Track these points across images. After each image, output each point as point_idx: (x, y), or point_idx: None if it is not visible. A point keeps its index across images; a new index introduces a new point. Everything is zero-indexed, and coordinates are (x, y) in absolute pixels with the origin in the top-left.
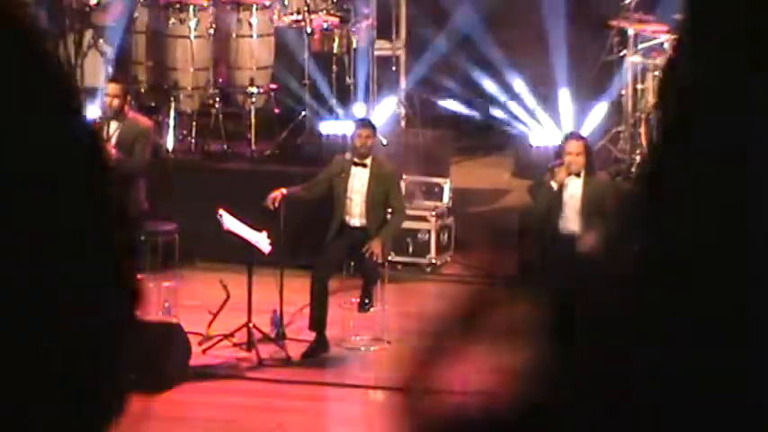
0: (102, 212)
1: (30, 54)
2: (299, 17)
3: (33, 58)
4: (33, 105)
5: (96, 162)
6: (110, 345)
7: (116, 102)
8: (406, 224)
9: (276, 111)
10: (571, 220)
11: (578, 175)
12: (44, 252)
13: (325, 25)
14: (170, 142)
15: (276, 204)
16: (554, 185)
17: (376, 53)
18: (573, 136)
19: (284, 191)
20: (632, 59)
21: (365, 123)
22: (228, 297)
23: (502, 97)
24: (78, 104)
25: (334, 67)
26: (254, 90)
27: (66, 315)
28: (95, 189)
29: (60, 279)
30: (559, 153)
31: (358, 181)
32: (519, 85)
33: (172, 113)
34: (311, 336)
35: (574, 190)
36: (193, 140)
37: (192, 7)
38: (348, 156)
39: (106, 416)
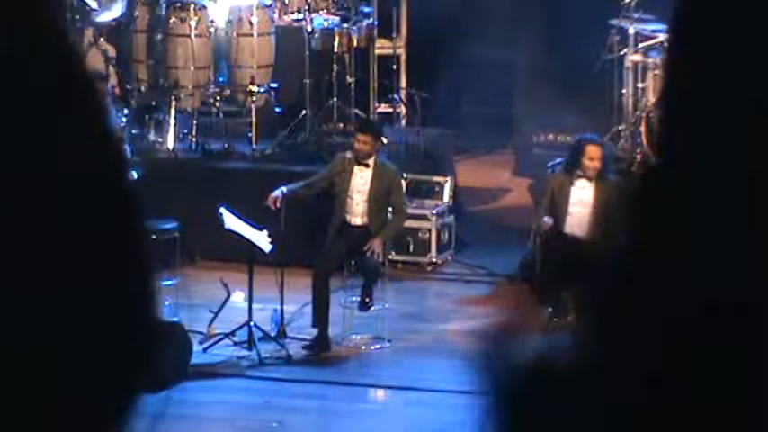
0: (118, 212)
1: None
2: (300, 16)
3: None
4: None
5: (113, 159)
6: (125, 344)
7: None
8: (407, 223)
9: (277, 110)
10: (577, 224)
11: (590, 179)
12: (55, 250)
13: (325, 24)
14: (171, 141)
15: (277, 203)
16: (545, 222)
17: (376, 52)
18: (593, 140)
19: (284, 189)
20: (632, 58)
21: (364, 128)
22: (229, 296)
23: (502, 95)
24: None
25: (335, 65)
26: (255, 89)
27: (83, 316)
28: (112, 189)
29: (75, 279)
30: (576, 153)
31: (360, 180)
32: (519, 82)
33: (172, 112)
34: (312, 334)
35: (584, 195)
36: (194, 139)
37: (192, 6)
38: (349, 155)
39: (119, 414)
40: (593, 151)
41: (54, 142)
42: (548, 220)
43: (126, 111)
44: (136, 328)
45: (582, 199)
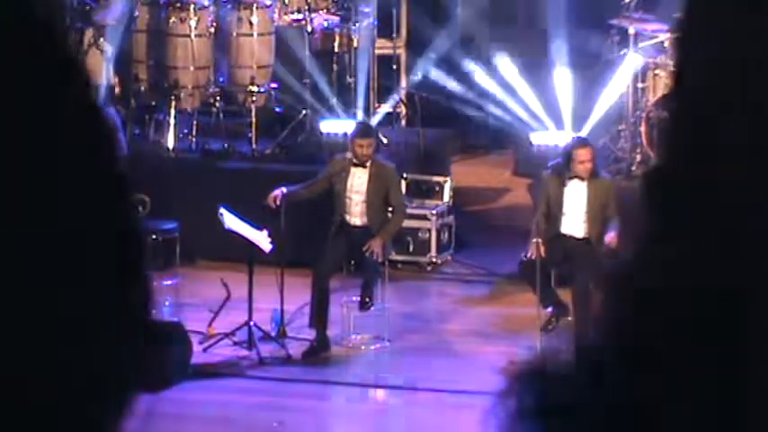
0: (113, 211)
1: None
2: (300, 16)
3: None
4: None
5: (108, 159)
6: (121, 345)
7: None
8: (407, 223)
9: (277, 109)
10: (573, 224)
11: (582, 179)
12: (52, 252)
13: (325, 24)
14: (171, 141)
15: (277, 203)
16: (534, 246)
17: (376, 52)
18: (581, 143)
19: (284, 189)
20: (632, 58)
21: (364, 132)
22: (229, 296)
23: (502, 95)
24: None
25: (335, 65)
26: (255, 89)
27: (78, 315)
28: (107, 189)
29: (71, 280)
30: (566, 157)
31: (358, 180)
32: (519, 82)
33: (172, 112)
34: (312, 334)
35: (578, 195)
36: (194, 139)
37: (192, 6)
38: (348, 155)
39: (115, 414)
40: (582, 154)
41: (44, 137)
42: (537, 242)
43: (126, 111)
44: (133, 326)
45: (576, 199)
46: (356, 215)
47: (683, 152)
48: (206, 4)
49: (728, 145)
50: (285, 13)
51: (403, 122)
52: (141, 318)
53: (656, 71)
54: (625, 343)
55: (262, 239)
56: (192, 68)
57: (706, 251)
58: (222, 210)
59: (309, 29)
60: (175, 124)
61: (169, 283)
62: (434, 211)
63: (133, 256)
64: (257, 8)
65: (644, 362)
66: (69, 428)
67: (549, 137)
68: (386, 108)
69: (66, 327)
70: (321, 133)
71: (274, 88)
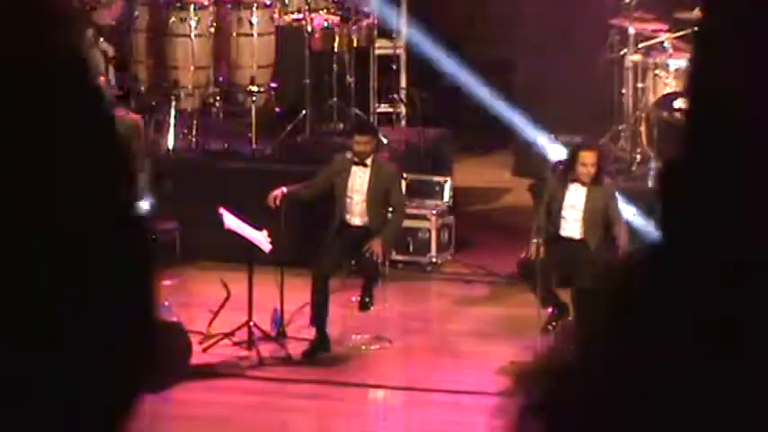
0: (117, 212)
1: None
2: (300, 16)
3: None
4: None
5: (114, 156)
6: (122, 345)
7: None
8: (407, 223)
9: (277, 109)
10: (572, 226)
11: (583, 183)
12: (57, 252)
13: (325, 24)
14: (171, 141)
15: (277, 203)
16: (534, 247)
17: (377, 52)
18: (587, 146)
19: (285, 189)
20: (633, 58)
21: (364, 129)
22: (229, 296)
23: (502, 95)
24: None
25: (335, 65)
26: (255, 89)
27: (81, 316)
28: (112, 187)
29: (75, 281)
30: (570, 158)
31: (358, 180)
32: (519, 81)
33: (172, 112)
34: (311, 334)
35: (577, 199)
36: (194, 139)
37: (192, 6)
38: (349, 154)
39: (118, 415)
40: (586, 157)
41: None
42: (536, 242)
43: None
44: (135, 326)
45: (575, 203)
46: (356, 215)
47: (696, 150)
48: (206, 4)
49: (739, 145)
50: (285, 13)
51: (403, 122)
52: (144, 318)
53: (656, 71)
54: (629, 342)
55: (262, 239)
56: (192, 68)
57: (716, 250)
58: (222, 210)
59: (309, 29)
60: (175, 124)
61: (169, 283)
62: (434, 211)
63: (139, 259)
64: (257, 8)
65: (645, 361)
66: (73, 428)
67: (548, 137)
68: (386, 108)
69: (67, 326)
70: (321, 133)
71: (274, 88)
